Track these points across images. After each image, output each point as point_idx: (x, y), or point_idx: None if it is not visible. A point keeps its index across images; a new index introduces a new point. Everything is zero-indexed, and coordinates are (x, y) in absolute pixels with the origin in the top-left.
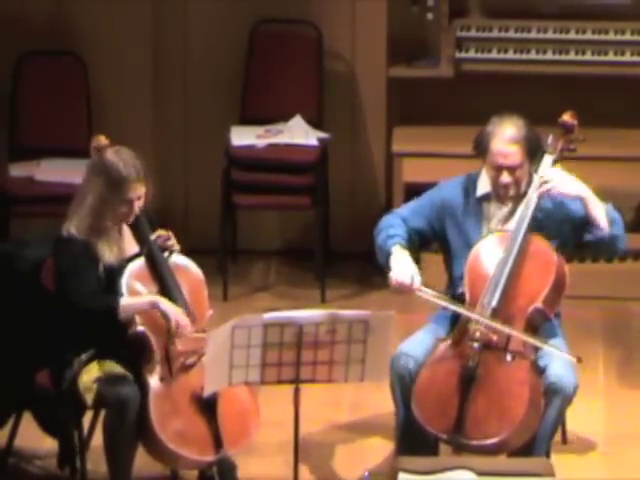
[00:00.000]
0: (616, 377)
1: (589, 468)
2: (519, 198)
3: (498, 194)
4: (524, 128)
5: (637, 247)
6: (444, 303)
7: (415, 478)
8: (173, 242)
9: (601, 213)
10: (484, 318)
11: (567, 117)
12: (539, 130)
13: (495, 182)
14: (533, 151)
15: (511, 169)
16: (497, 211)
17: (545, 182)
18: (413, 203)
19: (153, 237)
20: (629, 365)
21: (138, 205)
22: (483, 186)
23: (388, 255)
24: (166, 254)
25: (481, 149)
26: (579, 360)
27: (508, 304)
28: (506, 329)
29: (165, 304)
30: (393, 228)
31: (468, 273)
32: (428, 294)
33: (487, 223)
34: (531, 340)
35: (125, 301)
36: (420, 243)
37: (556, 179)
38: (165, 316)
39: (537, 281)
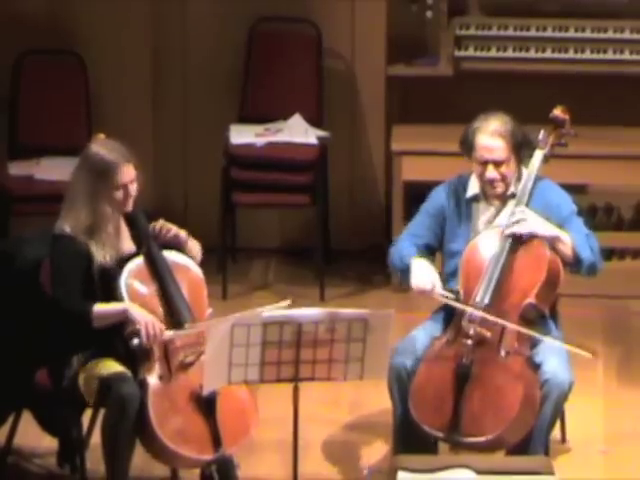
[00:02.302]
0: (615, 376)
1: (588, 467)
2: (506, 198)
3: (486, 192)
4: (510, 123)
5: (636, 245)
6: (464, 307)
7: (414, 476)
8: (173, 232)
9: (569, 250)
10: (513, 324)
11: (558, 112)
12: (538, 128)
13: (481, 178)
14: (519, 147)
15: (497, 163)
16: (485, 211)
17: (517, 222)
18: (413, 223)
19: (152, 227)
20: (628, 363)
21: (133, 189)
22: (473, 187)
23: (408, 268)
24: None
25: (467, 145)
26: (594, 354)
27: (501, 300)
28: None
29: (135, 312)
30: (405, 249)
31: (462, 269)
32: (448, 299)
33: (475, 223)
34: (537, 335)
35: (99, 309)
36: (430, 254)
37: (529, 219)
38: (137, 324)
39: (529, 276)
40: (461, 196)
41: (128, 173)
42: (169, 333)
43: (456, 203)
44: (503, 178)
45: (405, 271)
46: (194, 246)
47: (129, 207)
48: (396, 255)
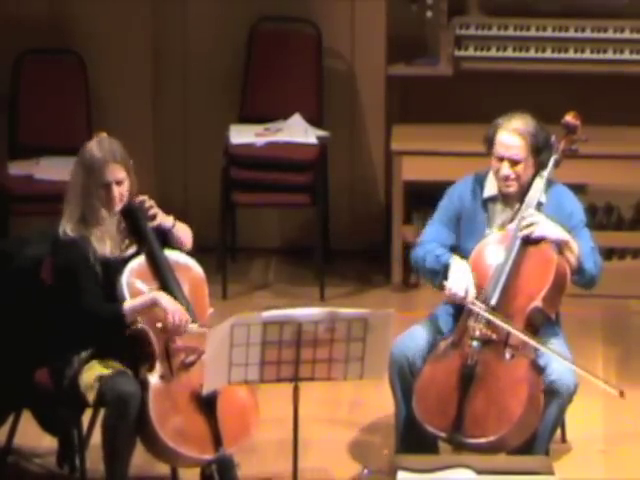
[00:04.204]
0: (615, 375)
1: (588, 466)
2: (522, 199)
3: (500, 190)
4: (532, 125)
5: (636, 245)
6: (496, 320)
7: (414, 476)
8: (155, 210)
9: (574, 259)
10: (531, 339)
11: (570, 117)
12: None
13: (496, 174)
14: (539, 149)
15: (512, 162)
16: (502, 214)
17: (528, 225)
18: (433, 223)
19: (138, 200)
20: (628, 363)
21: (119, 191)
22: (490, 187)
23: (446, 267)
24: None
25: (488, 141)
26: (622, 395)
27: (508, 303)
28: (533, 342)
29: (165, 300)
30: (437, 249)
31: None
32: (480, 308)
33: (491, 224)
34: (543, 348)
35: (128, 305)
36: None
37: (539, 222)
38: (165, 312)
39: (537, 280)
40: (478, 195)
41: (112, 173)
42: (193, 326)
43: (472, 202)
44: (517, 178)
45: (440, 272)
46: (180, 230)
47: (115, 207)
48: (428, 256)
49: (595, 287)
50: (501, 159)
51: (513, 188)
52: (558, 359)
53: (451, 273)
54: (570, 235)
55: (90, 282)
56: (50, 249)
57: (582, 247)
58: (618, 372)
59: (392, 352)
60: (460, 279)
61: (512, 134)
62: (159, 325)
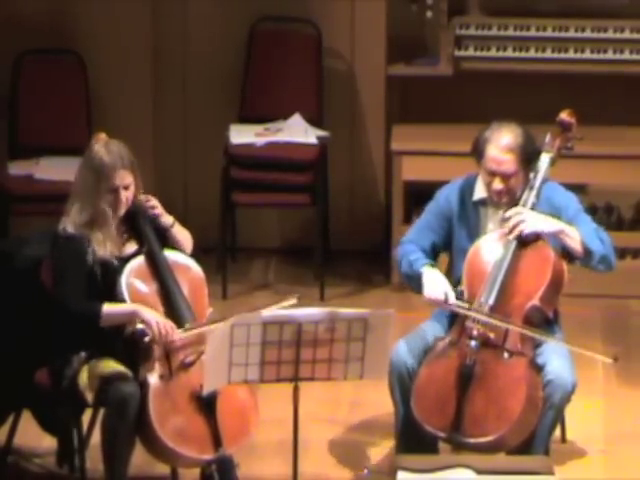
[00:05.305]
0: (615, 375)
1: (588, 467)
2: (515, 203)
3: (492, 200)
4: (521, 137)
5: (636, 245)
6: (479, 316)
7: (414, 476)
8: (158, 209)
9: (577, 244)
10: (519, 327)
11: (565, 115)
12: (538, 129)
13: (488, 187)
14: (528, 160)
15: (504, 176)
16: (493, 215)
17: (514, 225)
18: (417, 224)
19: (140, 198)
20: (628, 363)
21: (125, 195)
22: (480, 190)
23: (419, 277)
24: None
25: (477, 153)
26: (616, 359)
27: (505, 302)
28: (531, 333)
29: (146, 313)
30: (412, 253)
31: (466, 271)
32: (462, 308)
33: (483, 227)
34: (543, 337)
35: (107, 309)
36: (434, 257)
37: (528, 218)
38: (147, 325)
39: (534, 279)
40: (467, 198)
41: (121, 178)
42: (179, 332)
43: (462, 205)
44: (509, 190)
45: (413, 277)
46: (179, 233)
47: (120, 211)
48: (404, 259)
49: (613, 267)
50: (493, 174)
51: (505, 200)
52: (561, 345)
53: (425, 281)
54: (571, 225)
55: (76, 276)
56: (49, 247)
57: (583, 230)
58: (618, 372)
59: (392, 359)
60: (436, 285)
61: (502, 151)
62: (147, 339)
